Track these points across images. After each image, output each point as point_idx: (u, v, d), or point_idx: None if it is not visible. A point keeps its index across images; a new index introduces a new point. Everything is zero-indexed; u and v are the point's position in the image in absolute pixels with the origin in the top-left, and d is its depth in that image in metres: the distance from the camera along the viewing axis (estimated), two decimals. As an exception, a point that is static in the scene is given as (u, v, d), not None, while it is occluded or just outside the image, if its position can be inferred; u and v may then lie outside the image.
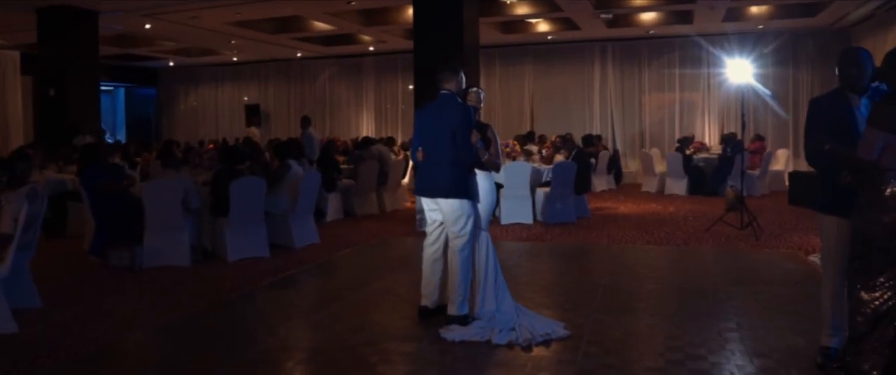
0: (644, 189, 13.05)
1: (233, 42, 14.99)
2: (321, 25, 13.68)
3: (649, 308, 4.82)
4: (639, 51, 15.15)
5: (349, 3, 11.24)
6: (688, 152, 12.47)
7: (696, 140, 14.04)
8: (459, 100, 4.44)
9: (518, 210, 9.13)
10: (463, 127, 4.27)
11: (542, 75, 15.98)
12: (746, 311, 4.66)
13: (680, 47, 14.69)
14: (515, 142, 10.94)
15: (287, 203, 7.42)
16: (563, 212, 9.18)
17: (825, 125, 3.31)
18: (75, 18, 10.82)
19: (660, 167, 12.91)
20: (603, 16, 12.04)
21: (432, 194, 4.39)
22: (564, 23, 13.62)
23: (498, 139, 4.59)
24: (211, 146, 14.44)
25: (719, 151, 12.70)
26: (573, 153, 9.85)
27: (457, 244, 4.33)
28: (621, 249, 7.20)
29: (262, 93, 19.00)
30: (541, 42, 15.39)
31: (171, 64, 18.97)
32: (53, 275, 6.29)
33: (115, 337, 4.37)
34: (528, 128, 15.58)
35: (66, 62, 10.86)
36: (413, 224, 8.67)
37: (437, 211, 4.42)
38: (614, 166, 14.11)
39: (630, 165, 15.30)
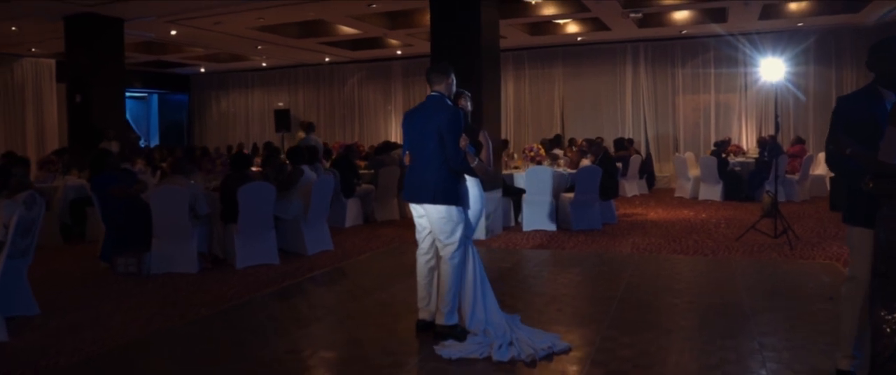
0: (677, 194, 12.58)
1: (259, 47, 14.99)
2: (347, 29, 13.57)
3: (665, 324, 4.48)
4: (672, 51, 14.66)
5: (370, 5, 11.08)
6: (723, 156, 11.97)
7: (733, 143, 13.49)
8: (449, 101, 4.19)
9: (540, 216, 8.83)
10: (451, 130, 4.03)
11: (573, 77, 15.60)
12: (772, 329, 4.29)
13: (715, 47, 14.16)
14: (540, 146, 10.62)
15: (299, 208, 7.26)
16: (588, 219, 8.84)
17: (851, 126, 2.97)
18: (101, 26, 10.88)
19: (693, 171, 12.43)
20: (632, 15, 11.63)
21: (419, 199, 4.16)
22: (594, 23, 13.24)
23: (490, 143, 4.33)
24: (246, 151, 14.50)
25: (757, 155, 12.17)
26: (599, 157, 9.49)
27: (446, 252, 4.10)
28: (644, 259, 6.83)
29: (292, 99, 19.02)
30: (570, 43, 15.02)
31: (202, 70, 19.13)
32: (61, 281, 6.26)
33: (101, 348, 4.23)
34: (559, 132, 15.24)
35: (92, 69, 10.93)
36: (431, 230, 8.43)
37: (426, 217, 4.18)
38: (646, 170, 13.67)
39: (663, 169, 14.81)
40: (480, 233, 8.15)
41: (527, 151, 10.20)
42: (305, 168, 7.67)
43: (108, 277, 6.29)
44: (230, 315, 5.00)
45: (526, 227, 8.83)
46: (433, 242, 4.23)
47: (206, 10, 10.76)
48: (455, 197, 4.09)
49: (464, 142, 4.04)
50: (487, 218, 8.31)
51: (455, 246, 4.08)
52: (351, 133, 18.07)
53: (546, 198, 8.80)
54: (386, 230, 9.11)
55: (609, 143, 13.68)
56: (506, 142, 14.44)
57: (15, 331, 4.52)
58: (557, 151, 12.32)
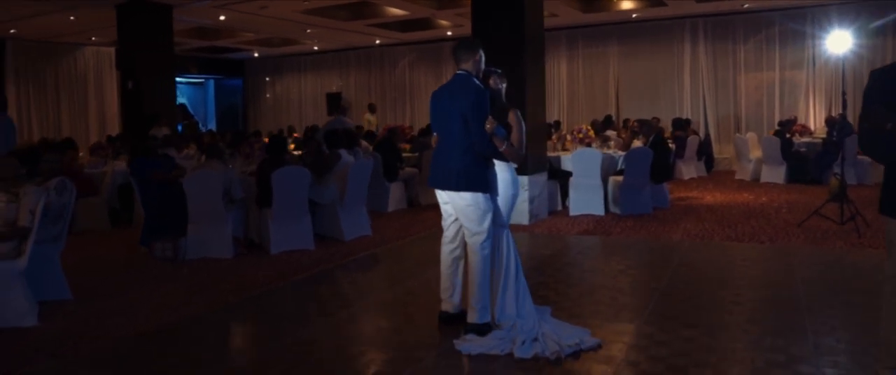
0: (737, 176, 11.94)
1: (308, 31, 14.97)
2: (395, 11, 13.39)
3: (709, 319, 4.13)
4: (733, 26, 13.86)
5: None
6: (788, 136, 11.27)
7: (799, 122, 12.71)
8: (476, 81, 3.91)
9: (588, 200, 8.47)
10: (476, 111, 3.74)
11: (628, 56, 14.97)
12: (830, 327, 3.90)
13: (780, 21, 13.32)
14: (589, 127, 10.20)
15: (334, 193, 7.14)
16: (638, 203, 8.43)
17: (892, 100, 2.55)
18: (151, 13, 11.03)
19: (755, 152, 11.76)
20: (690, -11, 11.02)
21: (444, 186, 3.92)
22: (649, -1, 12.65)
23: (523, 125, 4.04)
24: (296, 135, 14.58)
25: (824, 135, 11.41)
26: (651, 138, 9.04)
27: (474, 242, 3.83)
28: (694, 246, 6.42)
29: (344, 82, 19.02)
30: (625, 21, 14.40)
31: (256, 54, 19.32)
32: (100, 266, 6.32)
33: (126, 334, 4.20)
34: (614, 113, 14.72)
35: (143, 56, 11.11)
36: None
37: (451, 204, 3.94)
38: (705, 152, 13.03)
39: (723, 151, 14.10)
40: (523, 218, 7.88)
41: (575, 133, 9.80)
42: (343, 152, 7.54)
43: (146, 262, 6.32)
44: (256, 302, 4.91)
45: (572, 212, 8.50)
46: (459, 231, 3.99)
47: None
48: (482, 183, 3.82)
49: (490, 124, 3.76)
50: (531, 202, 8.03)
51: (484, 235, 3.82)
52: (402, 115, 17.95)
53: (594, 182, 8.44)
54: (429, 214, 8.92)
55: (666, 124, 13.15)
56: (558, 124, 14.07)
57: (45, 316, 4.54)
58: (610, 133, 11.87)
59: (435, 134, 4.03)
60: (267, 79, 20.38)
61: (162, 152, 7.39)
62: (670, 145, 10.44)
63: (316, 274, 5.67)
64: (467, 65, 3.91)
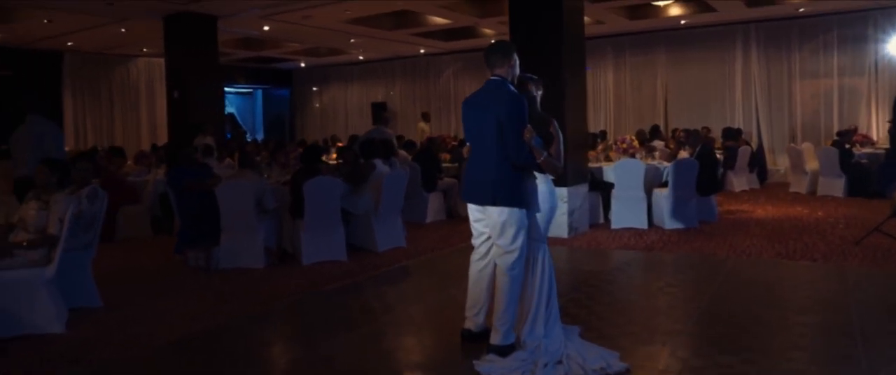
0: (792, 189, 11.41)
1: (352, 40, 15.04)
2: (437, 19, 13.32)
3: (750, 345, 3.83)
4: (787, 32, 13.29)
5: (455, -7, 10.75)
6: (847, 147, 10.71)
7: (860, 132, 12.08)
8: (511, 87, 3.70)
9: (630, 213, 8.18)
10: (512, 120, 3.52)
11: (677, 64, 14.54)
12: (888, 359, 3.56)
13: (838, 25, 12.71)
14: (633, 137, 9.89)
15: (369, 203, 7.06)
16: (683, 216, 8.10)
17: None
18: (196, 23, 11.22)
19: (812, 164, 11.22)
20: (741, -6, 10.61)
21: (477, 200, 3.72)
22: (698, 5, 12.22)
23: (561, 136, 3.81)
24: (340, 144, 14.63)
25: (888, 145, 10.80)
26: (697, 149, 8.69)
27: (505, 261, 3.63)
28: (741, 263, 6.09)
29: (390, 91, 19.07)
30: (674, 28, 13.99)
31: (303, 65, 19.55)
32: (134, 274, 6.38)
33: (149, 343, 4.18)
34: (662, 122, 14.31)
35: (188, 66, 11.32)
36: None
37: (484, 221, 3.76)
38: (757, 163, 12.53)
39: (777, 162, 13.53)
40: (562, 231, 7.65)
41: (619, 143, 9.50)
42: (378, 162, 7.46)
43: (180, 271, 6.35)
44: (280, 314, 4.85)
45: (614, 225, 8.22)
46: (489, 248, 3.79)
47: (293, 4, 10.82)
48: (518, 197, 3.59)
49: (528, 133, 3.53)
50: (571, 215, 7.79)
51: (516, 254, 3.61)
52: (447, 125, 17.86)
53: (636, 194, 8.15)
54: (467, 226, 8.70)
55: (718, 134, 12.69)
56: (604, 134, 13.73)
57: (73, 323, 4.56)
58: (657, 143, 11.51)
59: (468, 144, 3.85)
60: (314, 88, 20.60)
61: (201, 161, 7.43)
62: (719, 156, 10.04)
63: (343, 287, 5.57)
64: (501, 71, 3.72)
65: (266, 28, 12.77)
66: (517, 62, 3.78)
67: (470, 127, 3.81)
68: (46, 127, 7.25)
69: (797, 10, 12.38)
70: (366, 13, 12.20)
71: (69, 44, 14.07)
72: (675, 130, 12.81)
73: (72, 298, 4.88)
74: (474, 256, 3.93)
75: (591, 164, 9.30)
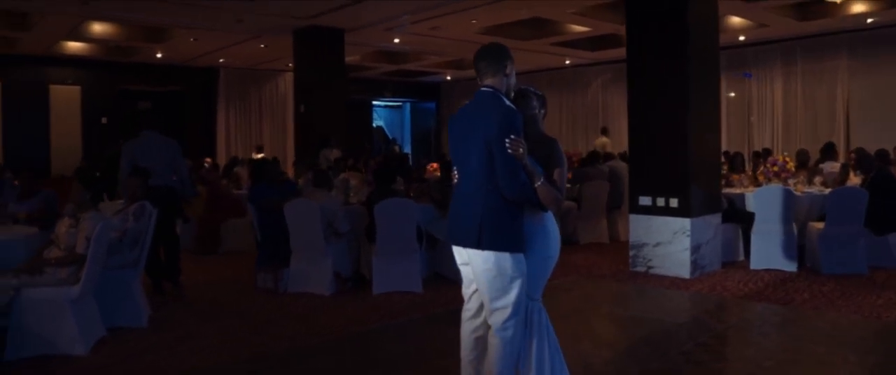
0: None
1: (488, 52, 14.48)
2: (576, 27, 12.40)
3: None
4: None
5: (584, -3, 9.80)
6: None
7: None
8: (505, 100, 2.90)
9: (773, 251, 6.78)
10: (502, 140, 2.74)
11: (861, 71, 12.29)
12: None
13: None
14: (789, 158, 8.28)
15: (452, 229, 6.38)
16: (845, 260, 6.53)
17: None
18: (324, 37, 11.27)
19: None
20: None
21: (459, 241, 2.94)
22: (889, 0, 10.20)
23: (564, 161, 2.97)
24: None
25: None
26: (872, 175, 7.01)
27: (495, 321, 2.86)
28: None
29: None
30: (858, 28, 11.83)
31: (448, 78, 19.38)
32: (202, 293, 6.17)
33: (165, 371, 3.87)
34: (841, 139, 12.19)
35: (315, 78, 11.40)
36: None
37: (470, 267, 2.96)
38: (966, 193, 10.11)
39: None
40: (683, 270, 6.47)
41: (769, 165, 7.98)
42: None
43: (248, 291, 6.10)
44: (319, 351, 4.39)
45: (753, 265, 6.85)
46: (481, 302, 3.00)
47: (416, 15, 10.49)
48: (509, 239, 2.80)
49: (518, 146, 2.74)
50: (696, 251, 6.58)
51: (509, 312, 2.82)
52: (595, 141, 16.74)
53: (779, 227, 6.73)
54: (581, 256, 7.80)
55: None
56: (767, 152, 11.92)
57: (102, 344, 4.40)
58: (831, 165, 9.65)
59: (455, 170, 3.07)
60: (460, 101, 20.36)
61: (283, 179, 7.21)
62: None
63: (397, 325, 4.98)
64: (493, 80, 2.92)
65: (396, 40, 12.61)
66: (513, 71, 2.97)
67: (455, 148, 3.01)
68: (162, 141, 7.27)
69: None
70: (493, 22, 11.60)
71: (221, 61, 14.92)
72: (851, 152, 10.76)
73: (114, 317, 4.75)
74: (465, 313, 3.12)
75: (735, 190, 7.92)
